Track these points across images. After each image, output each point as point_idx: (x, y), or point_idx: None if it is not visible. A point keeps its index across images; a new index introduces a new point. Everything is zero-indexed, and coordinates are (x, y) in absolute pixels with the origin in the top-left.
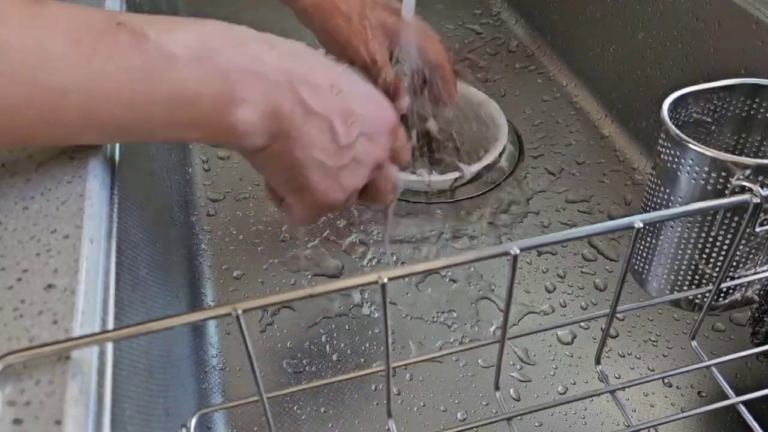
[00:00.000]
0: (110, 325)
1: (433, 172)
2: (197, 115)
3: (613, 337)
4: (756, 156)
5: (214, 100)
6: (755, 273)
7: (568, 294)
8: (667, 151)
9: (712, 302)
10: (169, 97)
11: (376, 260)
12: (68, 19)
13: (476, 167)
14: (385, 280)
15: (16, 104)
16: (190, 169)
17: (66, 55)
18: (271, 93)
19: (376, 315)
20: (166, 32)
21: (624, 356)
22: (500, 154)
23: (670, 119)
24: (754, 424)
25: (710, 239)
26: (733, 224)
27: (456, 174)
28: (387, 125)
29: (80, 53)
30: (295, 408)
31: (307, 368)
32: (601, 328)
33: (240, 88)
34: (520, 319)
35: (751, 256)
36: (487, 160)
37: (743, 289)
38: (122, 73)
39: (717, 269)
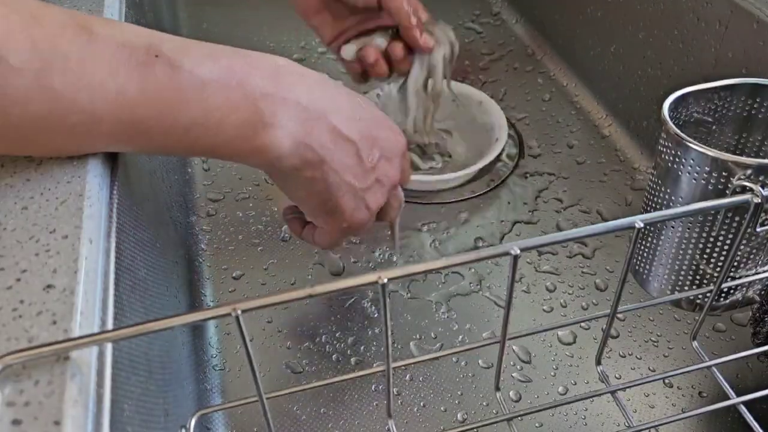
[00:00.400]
0: (109, 326)
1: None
2: (220, 139)
3: (614, 338)
4: (757, 156)
5: (239, 125)
6: (756, 273)
7: (569, 294)
8: (668, 150)
9: (713, 302)
10: (194, 123)
11: (379, 260)
12: (111, 49)
13: (476, 167)
14: (385, 281)
15: (53, 121)
16: (190, 169)
17: (103, 84)
18: (304, 120)
19: (376, 315)
20: (200, 63)
21: (625, 356)
22: (500, 154)
23: (671, 119)
24: (755, 425)
25: (711, 239)
26: (734, 224)
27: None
28: (401, 148)
29: (117, 84)
30: (295, 408)
31: (307, 368)
32: (602, 329)
33: (269, 113)
34: (520, 319)
35: (752, 256)
36: (486, 160)
37: (744, 289)
38: (153, 104)
39: (718, 269)
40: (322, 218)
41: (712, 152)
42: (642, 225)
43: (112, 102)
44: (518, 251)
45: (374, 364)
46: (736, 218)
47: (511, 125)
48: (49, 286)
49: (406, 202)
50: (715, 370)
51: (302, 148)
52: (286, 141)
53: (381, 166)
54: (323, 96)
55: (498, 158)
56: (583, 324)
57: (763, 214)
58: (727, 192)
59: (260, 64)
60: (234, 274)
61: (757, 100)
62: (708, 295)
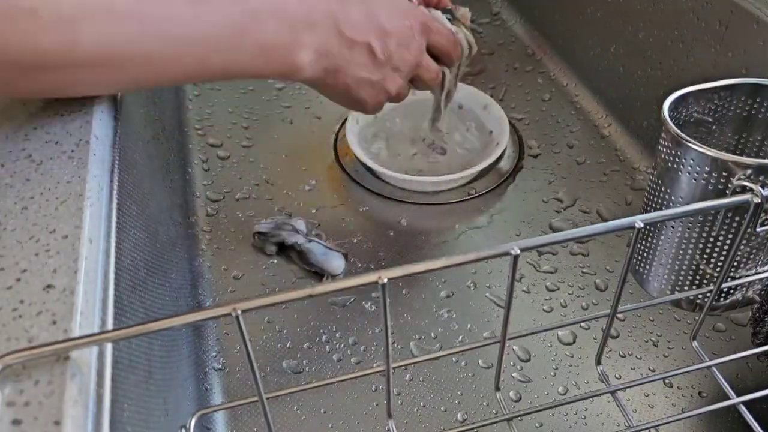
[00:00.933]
0: (109, 326)
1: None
2: (271, 58)
3: (614, 338)
4: (757, 156)
5: (285, 46)
6: (756, 273)
7: (569, 294)
8: (668, 150)
9: (713, 302)
10: (255, 44)
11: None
12: None
13: (475, 169)
14: (385, 281)
15: (150, 50)
16: (190, 169)
17: (184, 10)
18: (322, 37)
19: (377, 315)
20: None
21: (625, 356)
22: (500, 155)
23: (671, 119)
24: (755, 425)
25: (711, 239)
26: (734, 224)
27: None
28: (416, 28)
29: (196, 10)
30: (295, 408)
31: (307, 368)
32: (602, 329)
33: (301, 35)
34: (520, 319)
35: (752, 256)
36: (486, 162)
37: (744, 289)
38: (225, 26)
39: (718, 269)
40: (353, 106)
41: (712, 152)
42: (642, 225)
43: (195, 26)
44: (518, 251)
45: (374, 364)
46: (736, 218)
47: (510, 125)
48: (49, 286)
49: (406, 203)
50: (715, 370)
51: (321, 60)
52: (310, 56)
53: (396, 54)
54: (339, 9)
55: (498, 158)
56: (583, 324)
57: (763, 214)
58: (727, 192)
59: None
60: (234, 274)
61: (757, 100)
62: (708, 295)
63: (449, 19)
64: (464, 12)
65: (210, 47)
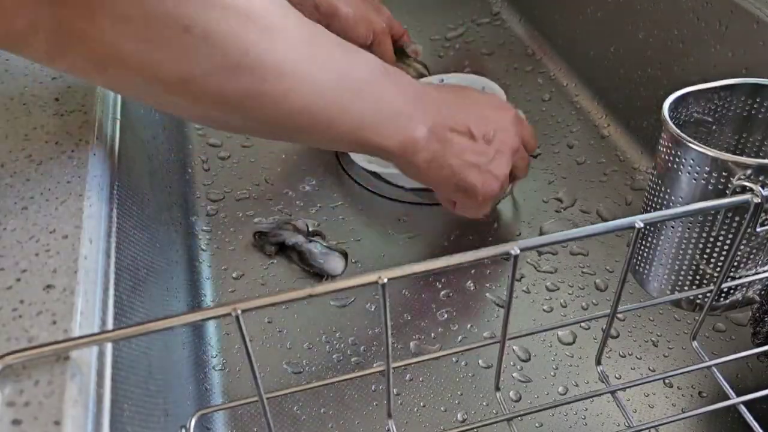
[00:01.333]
0: (109, 326)
1: None
2: (396, 125)
3: (614, 338)
4: (757, 156)
5: (407, 115)
6: (756, 273)
7: (569, 294)
8: (668, 150)
9: (713, 302)
10: (387, 105)
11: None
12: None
13: None
14: (385, 281)
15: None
16: (190, 169)
17: (339, 56)
18: (432, 115)
19: (377, 314)
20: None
21: (625, 356)
22: None
23: (671, 119)
24: (755, 425)
25: (711, 239)
26: (734, 224)
27: None
28: (511, 118)
29: (348, 57)
30: (295, 408)
31: (307, 368)
32: (602, 329)
33: (417, 110)
34: (520, 320)
35: (752, 256)
36: None
37: (744, 289)
38: (366, 79)
39: (718, 269)
40: (461, 196)
41: (712, 152)
42: (642, 225)
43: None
44: (518, 251)
45: (374, 364)
46: (736, 218)
47: None
48: (49, 286)
49: (406, 203)
50: (715, 370)
51: (431, 140)
52: (423, 132)
53: (498, 138)
54: (441, 94)
55: None
56: (583, 324)
57: (763, 214)
58: (727, 192)
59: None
60: (234, 274)
61: (757, 100)
62: (708, 295)
63: (400, 52)
64: (415, 48)
65: (352, 96)
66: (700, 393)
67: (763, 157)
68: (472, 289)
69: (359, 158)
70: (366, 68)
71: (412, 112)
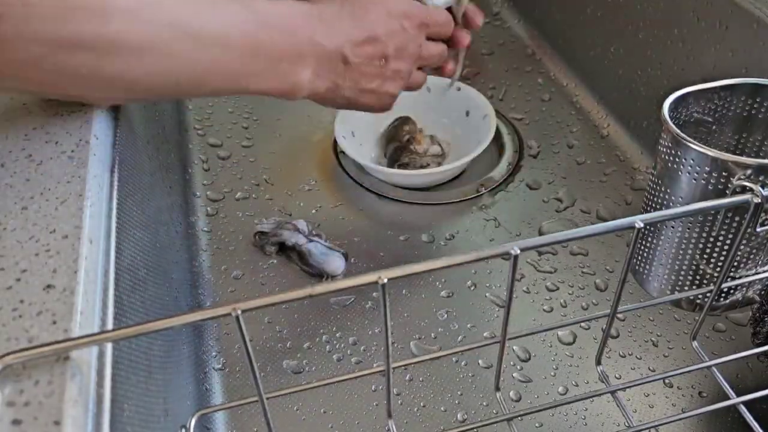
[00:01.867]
0: (109, 326)
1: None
2: (277, 73)
3: (614, 338)
4: (757, 156)
5: (290, 61)
6: (756, 273)
7: (569, 294)
8: (668, 150)
9: (713, 302)
10: (265, 55)
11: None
12: None
13: (466, 160)
14: (385, 281)
15: (171, 38)
16: (190, 169)
17: (205, 9)
18: (320, 55)
19: (377, 314)
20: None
21: (625, 356)
22: (500, 155)
23: (671, 119)
24: (755, 425)
25: (711, 239)
26: (734, 224)
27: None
28: (410, 29)
29: (215, 10)
30: (295, 408)
31: (307, 368)
32: (602, 329)
33: (303, 54)
34: (520, 320)
35: (752, 256)
36: (473, 154)
37: (744, 289)
38: (240, 31)
39: (718, 269)
40: (362, 109)
41: (712, 152)
42: (642, 225)
43: (213, 25)
44: (518, 251)
45: (374, 364)
46: (736, 218)
47: (511, 125)
48: (49, 286)
49: (406, 202)
50: (715, 370)
51: (319, 80)
52: (308, 74)
53: (393, 60)
54: (330, 25)
55: (497, 159)
56: (583, 324)
57: (763, 214)
58: (727, 192)
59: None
60: (234, 274)
61: (757, 100)
62: (708, 295)
63: None
64: None
65: (225, 50)
66: (700, 393)
67: (763, 157)
68: (472, 289)
69: (359, 158)
70: (234, 21)
71: (295, 57)
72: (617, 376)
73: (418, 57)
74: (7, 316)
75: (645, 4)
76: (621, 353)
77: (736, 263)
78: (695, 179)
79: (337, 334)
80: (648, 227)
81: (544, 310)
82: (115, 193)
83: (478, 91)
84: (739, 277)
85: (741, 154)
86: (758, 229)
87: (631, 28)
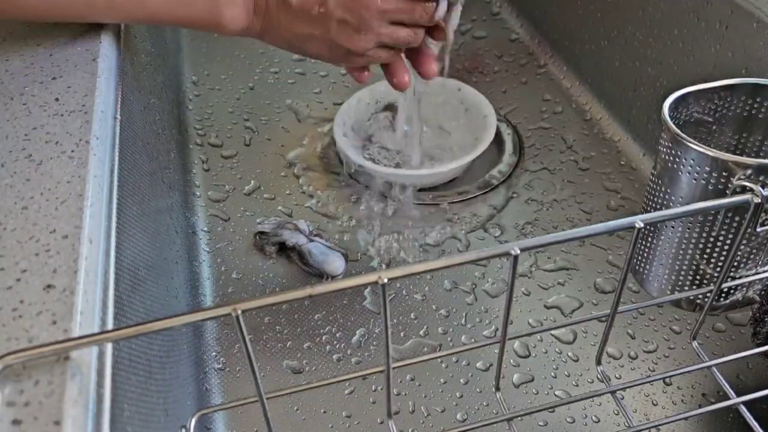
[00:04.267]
0: (109, 326)
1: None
2: (197, 5)
3: (614, 338)
4: (757, 156)
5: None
6: (756, 273)
7: (569, 294)
8: (668, 150)
9: (713, 302)
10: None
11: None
12: None
13: (466, 160)
14: (385, 281)
15: None
16: (190, 169)
17: None
18: None
19: (377, 314)
20: None
21: (625, 356)
22: (500, 155)
23: (671, 119)
24: (755, 425)
25: (711, 239)
26: (734, 224)
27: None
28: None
29: None
30: (295, 408)
31: (307, 368)
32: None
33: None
34: (520, 319)
35: (752, 256)
36: (474, 154)
37: (744, 289)
38: None
39: (718, 269)
40: (312, 57)
41: (712, 152)
42: (642, 225)
43: None
44: (518, 251)
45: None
46: (736, 218)
47: (511, 125)
48: (49, 286)
49: (408, 203)
50: (715, 370)
51: (253, 18)
52: (241, 13)
53: (334, 13)
54: None
55: (498, 159)
56: (583, 324)
57: (763, 214)
58: (727, 192)
59: None
60: (234, 275)
61: (757, 100)
62: (708, 295)
63: None
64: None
65: None
66: (700, 393)
67: (763, 157)
68: (472, 289)
69: (359, 157)
70: None
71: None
72: (617, 376)
73: (376, 15)
74: (7, 316)
75: (645, 4)
76: (621, 353)
77: (736, 263)
78: (695, 179)
79: (337, 334)
80: (648, 227)
81: (544, 309)
82: (115, 193)
83: (478, 91)
84: (739, 277)
85: (741, 154)
86: (758, 229)
87: (631, 27)
